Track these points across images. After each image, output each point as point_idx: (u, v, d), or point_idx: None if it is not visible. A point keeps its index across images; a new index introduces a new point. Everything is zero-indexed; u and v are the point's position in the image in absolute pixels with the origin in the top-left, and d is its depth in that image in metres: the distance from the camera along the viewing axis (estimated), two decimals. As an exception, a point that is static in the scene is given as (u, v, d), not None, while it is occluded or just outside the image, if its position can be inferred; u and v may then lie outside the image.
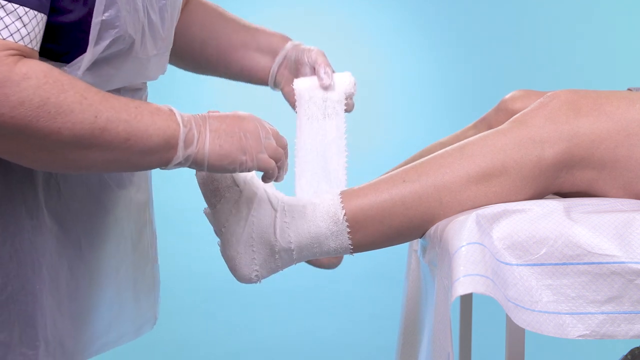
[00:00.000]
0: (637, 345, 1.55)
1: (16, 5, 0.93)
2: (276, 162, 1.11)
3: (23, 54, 0.94)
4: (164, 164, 1.04)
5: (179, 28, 1.32)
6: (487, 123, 1.56)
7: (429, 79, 3.14)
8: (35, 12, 0.95)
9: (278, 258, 1.20)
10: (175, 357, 2.92)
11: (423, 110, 3.12)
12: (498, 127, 1.23)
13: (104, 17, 1.02)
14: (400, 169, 1.22)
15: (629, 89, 1.37)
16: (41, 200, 1.08)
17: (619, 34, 3.10)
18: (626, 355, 1.53)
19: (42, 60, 0.98)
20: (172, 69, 1.41)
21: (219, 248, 1.22)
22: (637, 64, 3.08)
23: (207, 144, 1.05)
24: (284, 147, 1.13)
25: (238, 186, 1.19)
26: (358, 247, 1.20)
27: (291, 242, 1.18)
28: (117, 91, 1.14)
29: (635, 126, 1.18)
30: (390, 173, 1.23)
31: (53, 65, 0.97)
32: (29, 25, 0.95)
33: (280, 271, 1.22)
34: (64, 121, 0.94)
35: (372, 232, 1.18)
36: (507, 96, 1.55)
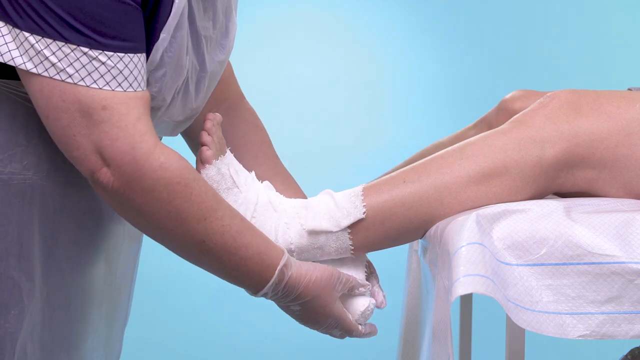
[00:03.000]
0: (637, 345, 1.55)
1: (131, 55, 0.96)
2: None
3: (150, 121, 0.98)
4: None
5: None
6: (487, 123, 1.56)
7: (430, 79, 3.14)
8: (142, 55, 0.99)
9: (278, 258, 1.20)
10: (175, 358, 2.92)
11: (423, 111, 3.12)
12: (498, 127, 1.23)
13: (149, 75, 1.04)
14: (401, 169, 1.22)
15: (629, 89, 1.37)
16: (35, 227, 1.05)
17: (619, 34, 3.10)
18: (626, 355, 1.53)
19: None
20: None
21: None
22: (636, 64, 3.08)
23: (276, 304, 1.15)
24: (351, 334, 1.21)
25: (238, 187, 1.19)
26: (359, 248, 1.20)
27: (292, 244, 1.18)
28: None
29: (636, 125, 1.18)
30: (391, 174, 1.22)
31: None
32: (143, 69, 0.99)
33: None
34: (176, 227, 0.99)
35: (372, 233, 1.18)
36: (507, 96, 1.55)
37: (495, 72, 3.07)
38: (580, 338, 1.02)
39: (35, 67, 0.93)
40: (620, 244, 1.03)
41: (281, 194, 1.27)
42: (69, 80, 0.93)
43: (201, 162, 1.18)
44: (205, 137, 1.18)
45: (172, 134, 1.24)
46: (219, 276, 1.09)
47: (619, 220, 1.05)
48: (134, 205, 0.97)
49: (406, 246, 1.57)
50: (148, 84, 1.04)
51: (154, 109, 1.09)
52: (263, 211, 1.19)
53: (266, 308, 2.98)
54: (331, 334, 1.19)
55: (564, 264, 1.04)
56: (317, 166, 2.99)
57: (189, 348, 2.94)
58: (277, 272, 1.09)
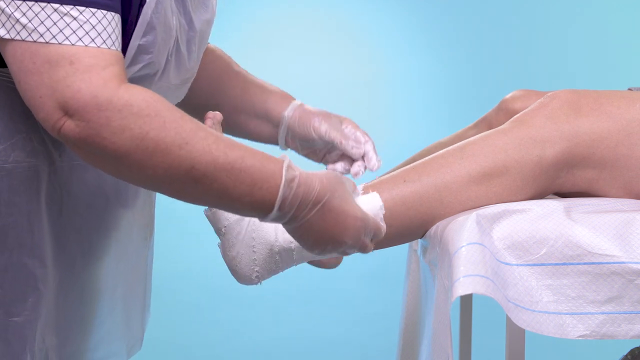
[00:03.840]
0: (637, 345, 1.55)
1: (104, 12, 0.94)
2: None
3: (119, 67, 0.94)
4: None
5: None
6: (487, 123, 1.56)
7: (430, 79, 3.14)
8: (116, 14, 0.96)
9: (278, 258, 1.19)
10: (176, 358, 2.92)
11: (423, 111, 3.12)
12: (499, 127, 1.23)
13: (141, 42, 1.02)
14: (401, 169, 1.22)
15: (629, 89, 1.37)
16: (43, 214, 1.06)
17: (619, 34, 3.10)
18: (626, 355, 1.54)
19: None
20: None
21: (218, 249, 1.22)
22: (636, 64, 3.08)
23: (292, 229, 1.02)
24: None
25: (238, 186, 1.19)
26: (358, 246, 1.19)
27: (292, 242, 1.18)
28: None
29: (636, 125, 1.18)
30: (391, 173, 1.23)
31: None
32: (117, 29, 0.96)
33: (281, 272, 1.22)
34: (160, 161, 0.92)
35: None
36: (507, 96, 1.55)
37: (495, 72, 3.07)
38: (580, 338, 1.02)
39: (8, 32, 0.92)
40: (620, 244, 1.03)
41: (265, 101, 1.25)
42: (41, 39, 0.91)
43: (202, 160, 1.18)
44: (206, 135, 1.18)
45: (170, 101, 1.22)
46: (225, 206, 1.01)
47: (619, 220, 1.05)
48: (109, 152, 0.92)
49: (406, 246, 1.57)
50: (142, 52, 1.03)
51: (150, 75, 1.08)
52: (263, 210, 1.19)
53: (266, 308, 2.99)
54: (361, 246, 1.05)
55: (564, 264, 1.04)
56: (317, 166, 2.99)
57: (187, 347, 2.94)
58: (284, 169, 0.98)
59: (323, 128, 1.24)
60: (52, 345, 1.11)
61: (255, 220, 1.19)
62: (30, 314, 1.06)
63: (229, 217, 1.19)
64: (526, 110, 1.24)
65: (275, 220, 1.00)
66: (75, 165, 1.08)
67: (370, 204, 1.11)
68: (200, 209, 1.23)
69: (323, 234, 1.02)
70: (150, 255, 1.36)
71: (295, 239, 1.04)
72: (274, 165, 0.98)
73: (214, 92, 1.28)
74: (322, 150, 1.34)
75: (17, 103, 1.00)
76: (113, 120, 0.91)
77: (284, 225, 1.03)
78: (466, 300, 1.63)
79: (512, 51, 3.11)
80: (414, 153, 1.61)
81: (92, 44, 0.93)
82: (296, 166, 1.01)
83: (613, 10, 3.11)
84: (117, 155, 0.92)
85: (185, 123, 0.94)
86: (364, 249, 1.06)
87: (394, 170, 1.42)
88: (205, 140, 0.94)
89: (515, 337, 1.19)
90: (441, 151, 1.22)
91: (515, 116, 1.24)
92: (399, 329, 1.57)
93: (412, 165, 1.21)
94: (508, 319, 1.14)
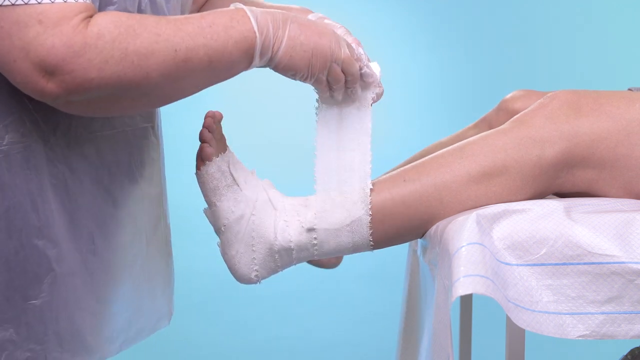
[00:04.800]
0: (637, 345, 1.55)
1: None
2: (334, 84, 1.17)
3: (88, 13, 0.94)
4: (244, 70, 1.09)
5: None
6: (487, 123, 1.56)
7: (429, 79, 3.14)
8: None
9: (278, 258, 1.20)
10: (177, 357, 2.92)
11: (423, 111, 3.12)
12: (498, 127, 1.23)
13: None
14: (401, 168, 1.22)
15: (629, 89, 1.37)
16: (49, 193, 1.06)
17: (619, 34, 3.10)
18: (626, 355, 1.54)
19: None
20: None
21: (218, 248, 1.22)
22: (637, 64, 3.08)
23: (280, 53, 1.08)
24: (351, 75, 1.20)
25: (238, 185, 1.19)
26: (358, 246, 1.19)
27: (291, 242, 1.18)
28: None
29: (636, 125, 1.18)
30: (390, 173, 1.23)
31: None
32: None
33: (280, 271, 1.22)
34: (149, 65, 0.96)
35: (372, 232, 1.18)
36: (507, 96, 1.55)
37: (495, 72, 3.07)
38: (580, 338, 1.02)
39: None
40: (620, 244, 1.03)
41: (284, 9, 1.25)
42: (7, 2, 0.91)
43: (201, 159, 1.19)
44: (206, 134, 1.18)
45: None
46: (219, 68, 1.04)
47: (619, 220, 1.05)
48: (103, 89, 0.94)
49: (406, 246, 1.57)
50: (106, 4, 1.02)
51: None
52: (262, 209, 1.19)
53: (265, 307, 2.99)
54: (345, 57, 1.18)
55: (564, 264, 1.04)
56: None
57: (186, 346, 2.94)
58: (243, 7, 1.06)
59: (338, 32, 1.28)
60: (89, 327, 1.11)
61: (255, 219, 1.19)
62: (47, 295, 1.06)
63: (228, 216, 1.19)
64: (526, 110, 1.24)
65: (263, 52, 1.06)
66: (72, 140, 1.08)
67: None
68: (199, 209, 1.23)
69: (306, 46, 1.10)
70: (167, 224, 1.36)
71: (285, 68, 1.10)
72: (227, 8, 1.06)
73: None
74: None
75: (4, 84, 0.99)
76: (94, 59, 0.92)
77: (270, 63, 1.09)
78: (466, 300, 1.63)
79: (512, 51, 3.11)
80: (414, 153, 1.61)
81: (59, 0, 0.92)
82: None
83: (613, 11, 3.11)
84: (111, 87, 0.94)
85: (146, 20, 0.97)
86: (349, 61, 1.20)
87: (393, 170, 1.42)
88: (169, 23, 0.99)
89: (515, 337, 1.19)
90: (441, 151, 1.22)
91: (515, 116, 1.24)
92: (398, 329, 1.57)
93: (411, 164, 1.21)
94: (508, 319, 1.14)
